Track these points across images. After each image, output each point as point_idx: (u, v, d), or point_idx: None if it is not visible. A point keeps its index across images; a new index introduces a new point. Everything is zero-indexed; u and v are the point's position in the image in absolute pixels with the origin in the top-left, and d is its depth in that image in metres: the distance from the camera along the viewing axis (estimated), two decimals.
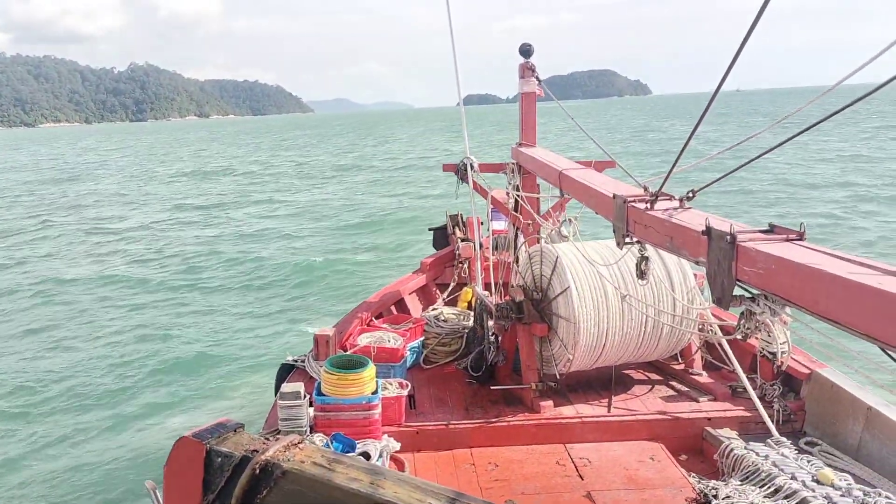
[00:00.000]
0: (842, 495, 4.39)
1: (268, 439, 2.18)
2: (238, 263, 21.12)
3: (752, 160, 3.48)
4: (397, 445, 5.41)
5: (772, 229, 2.87)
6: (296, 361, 6.86)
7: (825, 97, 3.33)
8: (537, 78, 7.58)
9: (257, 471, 2.11)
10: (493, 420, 5.88)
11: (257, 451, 2.11)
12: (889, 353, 2.10)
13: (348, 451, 5.08)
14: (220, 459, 2.16)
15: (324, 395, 5.56)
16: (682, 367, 6.68)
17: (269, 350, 13.09)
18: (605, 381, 6.43)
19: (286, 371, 6.78)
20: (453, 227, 10.01)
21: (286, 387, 5.48)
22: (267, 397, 9.28)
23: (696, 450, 5.65)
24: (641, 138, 68.45)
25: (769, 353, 5.85)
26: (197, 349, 13.44)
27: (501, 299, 7.10)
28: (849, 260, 2.43)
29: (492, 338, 6.74)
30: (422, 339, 7.36)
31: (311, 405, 5.51)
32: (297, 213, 31.61)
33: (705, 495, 4.72)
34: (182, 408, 10.74)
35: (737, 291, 2.86)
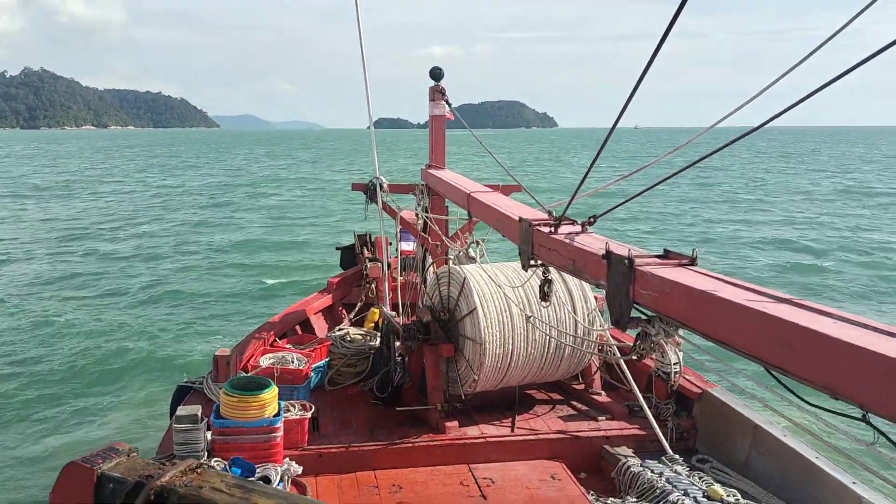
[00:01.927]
0: None
1: (164, 464, 2.08)
2: (131, 279, 20.20)
3: (649, 189, 3.64)
4: (299, 469, 5.29)
5: (666, 255, 3.01)
6: (193, 383, 6.61)
7: (711, 137, 3.57)
8: (447, 101, 7.68)
9: (152, 497, 2.01)
10: (398, 441, 5.84)
11: (152, 477, 2.01)
12: (773, 372, 2.23)
13: (247, 476, 4.91)
14: (111, 485, 2.04)
15: (223, 417, 5.37)
16: (582, 386, 6.86)
17: (164, 371, 12.54)
18: (508, 401, 6.52)
19: (183, 393, 6.52)
20: (361, 247, 9.95)
21: (182, 409, 5.27)
22: (162, 421, 8.88)
23: (595, 468, 5.80)
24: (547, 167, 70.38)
25: (663, 373, 6.11)
26: (85, 370, 12.70)
27: (409, 320, 7.10)
28: (737, 285, 2.57)
29: (398, 358, 6.71)
30: (327, 359, 7.25)
31: (208, 429, 5.31)
32: (190, 230, 30.59)
33: None
34: (69, 432, 10.10)
35: (634, 313, 2.97)
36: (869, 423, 1.92)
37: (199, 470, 2.08)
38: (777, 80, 3.09)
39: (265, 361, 6.71)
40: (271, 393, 5.47)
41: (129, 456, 2.16)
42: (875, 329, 2.01)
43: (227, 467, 4.94)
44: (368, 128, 8.63)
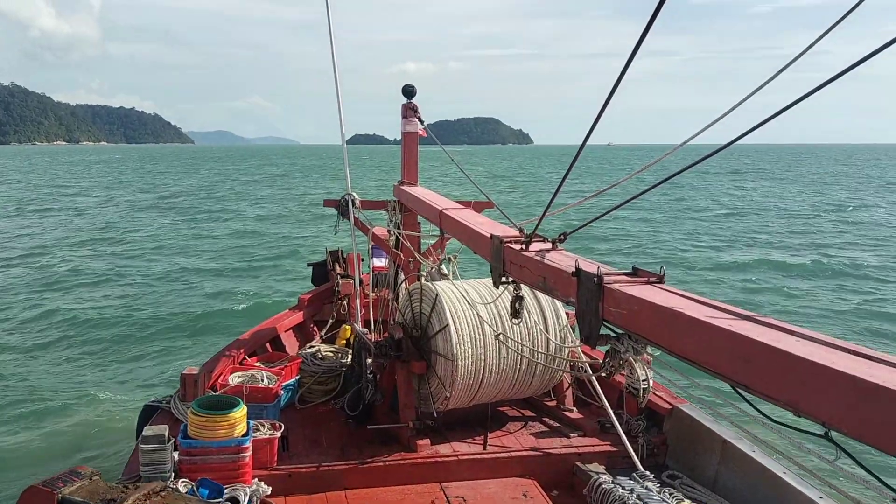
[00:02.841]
0: None
1: (127, 487, 2.03)
2: (94, 300, 19.86)
3: (618, 206, 3.69)
4: (268, 489, 5.21)
5: (635, 272, 3.04)
6: (160, 403, 6.50)
7: (682, 154, 3.62)
8: (420, 118, 7.71)
9: None
10: (369, 460, 5.79)
11: (115, 501, 1.97)
12: (739, 390, 2.26)
13: (215, 497, 4.83)
14: None
15: (190, 437, 5.28)
16: (554, 403, 6.87)
17: (131, 390, 12.31)
18: (480, 419, 6.50)
19: (149, 413, 6.41)
20: (333, 263, 9.89)
21: (148, 430, 5.17)
22: (128, 441, 8.70)
23: (567, 485, 5.80)
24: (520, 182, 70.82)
25: (633, 389, 6.15)
26: (48, 389, 12.42)
27: (380, 337, 7.07)
28: (702, 302, 2.61)
29: (370, 376, 6.67)
30: (297, 377, 7.17)
31: (175, 449, 5.22)
32: (161, 248, 30.22)
33: None
34: (30, 454, 9.84)
35: (604, 330, 2.99)
36: (830, 440, 1.94)
37: (162, 493, 2.04)
38: (745, 99, 3.15)
39: (234, 380, 6.62)
40: (240, 412, 5.40)
41: (91, 479, 2.12)
42: (837, 347, 2.04)
43: (195, 488, 4.86)
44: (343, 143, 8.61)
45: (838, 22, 2.88)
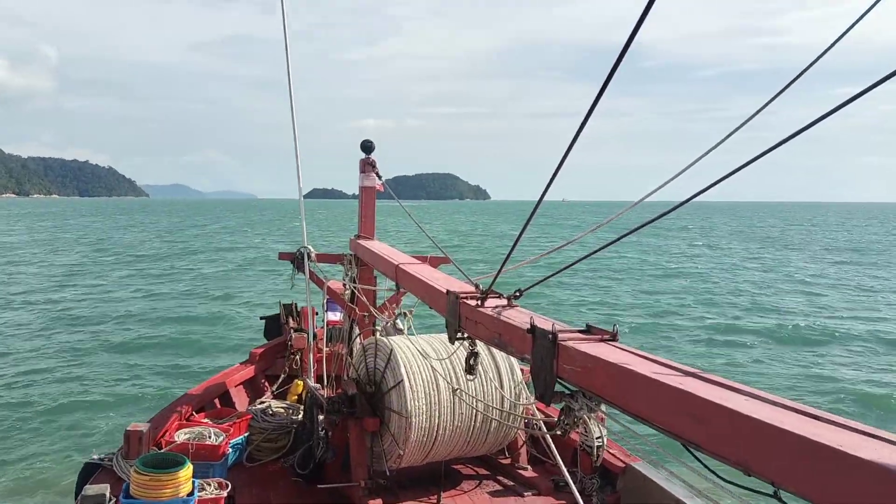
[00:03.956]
0: None
1: None
2: (33, 345, 19.16)
3: (574, 263, 3.74)
4: None
5: (589, 329, 3.07)
6: (102, 460, 6.23)
7: (638, 211, 3.72)
8: (377, 173, 7.77)
9: None
10: None
11: None
12: (690, 449, 2.27)
13: None
14: None
15: (132, 497, 5.06)
16: (509, 461, 6.79)
17: (71, 446, 11.79)
18: (434, 477, 6.39)
19: (90, 471, 6.14)
20: (287, 317, 9.76)
21: (88, 489, 4.98)
22: (67, 501, 8.29)
23: None
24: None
25: (588, 447, 6.13)
26: None
27: (333, 392, 6.94)
28: (654, 361, 2.64)
29: (322, 433, 6.53)
30: (247, 434, 6.97)
31: None
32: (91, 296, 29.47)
33: None
34: None
35: (559, 388, 2.99)
36: (780, 500, 1.96)
37: None
38: (702, 157, 3.25)
39: (181, 436, 6.41)
40: (185, 471, 5.21)
41: None
42: (783, 406, 2.08)
43: None
44: (300, 198, 8.60)
45: (791, 83, 3.02)
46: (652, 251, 56.54)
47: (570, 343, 2.88)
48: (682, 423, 2.21)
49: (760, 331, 23.39)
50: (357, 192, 8.15)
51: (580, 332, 3.05)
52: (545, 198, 3.17)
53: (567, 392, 2.98)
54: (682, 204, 2.82)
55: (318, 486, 6.13)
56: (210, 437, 6.46)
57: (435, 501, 6.04)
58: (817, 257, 54.64)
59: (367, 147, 7.82)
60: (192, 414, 7.31)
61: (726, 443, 2.04)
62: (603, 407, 2.94)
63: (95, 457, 6.33)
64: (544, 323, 3.16)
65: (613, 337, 2.99)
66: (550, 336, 2.95)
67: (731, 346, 21.06)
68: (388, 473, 6.18)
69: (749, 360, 19.33)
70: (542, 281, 3.73)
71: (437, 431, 6.04)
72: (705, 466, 2.40)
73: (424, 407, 5.95)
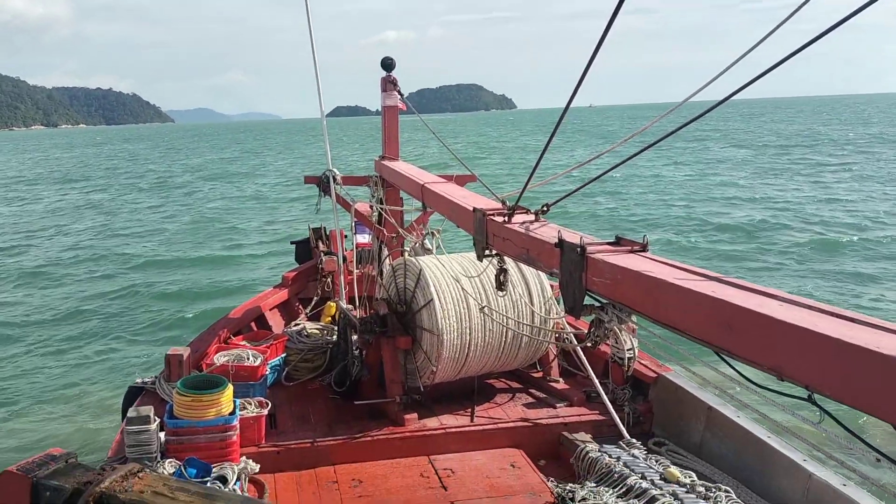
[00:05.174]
0: (686, 492, 4.68)
1: (104, 469, 2.00)
2: (81, 279, 19.70)
3: (602, 174, 3.65)
4: (256, 467, 5.21)
5: (618, 241, 3.02)
6: (145, 384, 6.46)
7: (673, 114, 3.58)
8: (399, 92, 7.62)
9: None
10: (357, 435, 5.80)
11: (91, 483, 1.94)
12: (722, 355, 2.25)
13: (203, 476, 4.83)
14: (48, 493, 1.97)
15: (176, 418, 5.26)
16: (540, 374, 6.89)
17: (115, 372, 12.24)
18: (467, 392, 6.52)
19: (135, 394, 6.37)
20: (316, 241, 9.83)
21: (133, 411, 5.15)
22: (114, 423, 8.67)
23: (554, 454, 5.85)
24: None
25: (618, 358, 6.17)
26: (31, 373, 12.34)
27: (366, 313, 7.04)
28: (685, 269, 2.59)
29: (356, 352, 6.66)
30: (283, 355, 7.15)
31: (162, 429, 5.20)
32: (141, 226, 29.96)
33: (563, 498, 4.88)
34: (9, 438, 9.78)
35: (588, 301, 2.98)
36: (814, 403, 1.94)
37: (140, 474, 2.01)
38: (744, 56, 3.08)
39: (220, 359, 6.59)
40: (226, 391, 5.38)
41: (67, 462, 2.08)
42: (819, 310, 2.04)
43: (183, 468, 4.85)
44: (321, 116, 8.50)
45: None
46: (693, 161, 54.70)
47: (598, 255, 2.84)
48: (715, 331, 2.19)
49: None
50: (381, 109, 8.02)
51: (609, 244, 3.01)
52: (571, 104, 3.06)
53: (597, 304, 2.96)
54: (720, 103, 2.68)
55: (355, 402, 6.30)
56: (248, 359, 6.63)
57: (469, 415, 6.18)
58: None
59: (387, 65, 7.64)
60: (229, 337, 7.50)
61: (759, 348, 2.02)
62: (633, 318, 2.92)
63: (139, 380, 6.56)
64: (572, 236, 3.12)
65: (644, 248, 2.94)
66: (578, 249, 2.91)
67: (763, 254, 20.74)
68: (422, 389, 6.31)
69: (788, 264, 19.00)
70: (570, 194, 3.66)
71: (468, 348, 6.12)
72: (737, 372, 2.38)
73: (455, 324, 6.02)
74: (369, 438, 5.78)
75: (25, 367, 12.60)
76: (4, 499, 2.00)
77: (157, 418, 5.16)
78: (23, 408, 10.80)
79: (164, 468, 4.81)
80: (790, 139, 71.12)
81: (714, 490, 4.72)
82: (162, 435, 5.17)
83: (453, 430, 5.92)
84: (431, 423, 6.04)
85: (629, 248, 2.95)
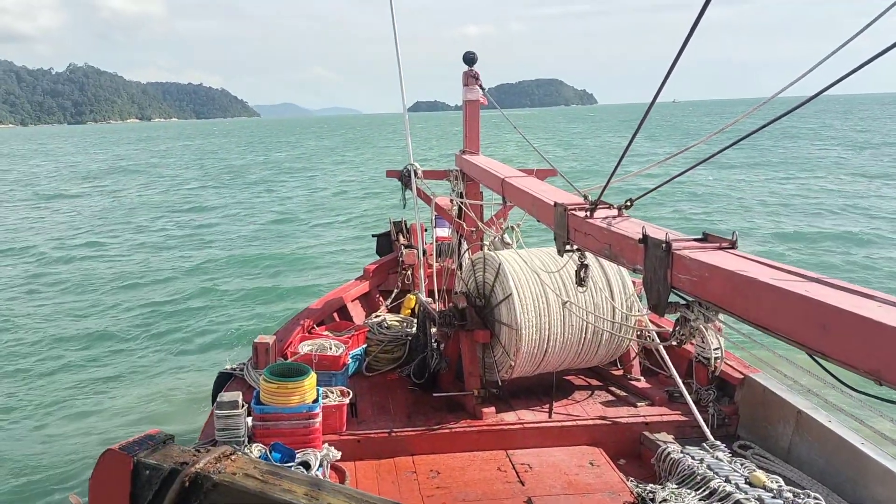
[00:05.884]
0: (773, 497, 4.51)
1: (198, 451, 2.11)
2: (173, 268, 20.63)
3: (688, 170, 3.56)
4: (338, 454, 5.35)
5: (705, 238, 2.94)
6: (234, 370, 6.72)
7: (762, 110, 3.44)
8: (481, 86, 7.62)
9: (187, 483, 2.04)
10: (436, 427, 5.86)
11: (187, 464, 2.04)
12: (815, 358, 2.16)
13: (287, 461, 4.99)
14: (148, 472, 2.09)
15: (263, 403, 5.45)
16: (621, 372, 6.79)
17: (206, 358, 12.79)
18: (546, 387, 6.49)
19: (224, 380, 6.63)
20: (397, 234, 9.98)
21: (223, 396, 5.36)
22: (204, 407, 9.06)
23: (634, 454, 5.75)
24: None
25: (704, 358, 6.01)
26: (129, 356, 13.04)
27: (445, 306, 7.10)
28: (777, 268, 2.50)
29: (434, 345, 6.73)
30: (364, 346, 7.30)
31: (249, 414, 5.40)
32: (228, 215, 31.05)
33: (643, 499, 4.79)
34: (111, 418, 10.37)
35: (673, 298, 2.91)
36: None
37: (232, 457, 2.10)
38: (841, 48, 2.92)
39: (304, 348, 6.79)
40: (310, 379, 5.54)
41: (164, 443, 2.20)
42: None
43: (268, 453, 5.03)
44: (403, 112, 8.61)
45: None
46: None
47: (684, 252, 2.77)
48: (808, 332, 2.10)
49: None
50: (460, 104, 8.05)
51: (696, 240, 2.93)
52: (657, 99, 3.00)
53: (682, 302, 2.89)
54: (810, 99, 2.57)
55: (434, 394, 6.37)
56: (331, 349, 6.80)
57: (547, 411, 6.15)
58: None
59: (469, 59, 7.65)
60: (313, 327, 7.72)
61: (856, 351, 1.93)
62: (721, 317, 2.84)
63: (228, 367, 6.83)
64: (657, 232, 3.05)
65: (732, 245, 2.85)
66: (664, 245, 2.84)
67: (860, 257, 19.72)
68: (500, 383, 6.32)
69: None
70: (655, 189, 3.58)
71: (547, 343, 6.09)
72: (832, 376, 2.28)
73: (534, 319, 5.99)
74: (447, 430, 5.83)
75: (129, 352, 13.32)
76: (107, 476, 2.13)
77: (244, 403, 5.36)
78: (124, 390, 11.44)
79: (251, 451, 4.99)
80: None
81: (803, 497, 4.53)
82: (249, 420, 5.37)
83: (531, 425, 5.91)
84: (509, 417, 6.04)
85: (717, 244, 2.87)
